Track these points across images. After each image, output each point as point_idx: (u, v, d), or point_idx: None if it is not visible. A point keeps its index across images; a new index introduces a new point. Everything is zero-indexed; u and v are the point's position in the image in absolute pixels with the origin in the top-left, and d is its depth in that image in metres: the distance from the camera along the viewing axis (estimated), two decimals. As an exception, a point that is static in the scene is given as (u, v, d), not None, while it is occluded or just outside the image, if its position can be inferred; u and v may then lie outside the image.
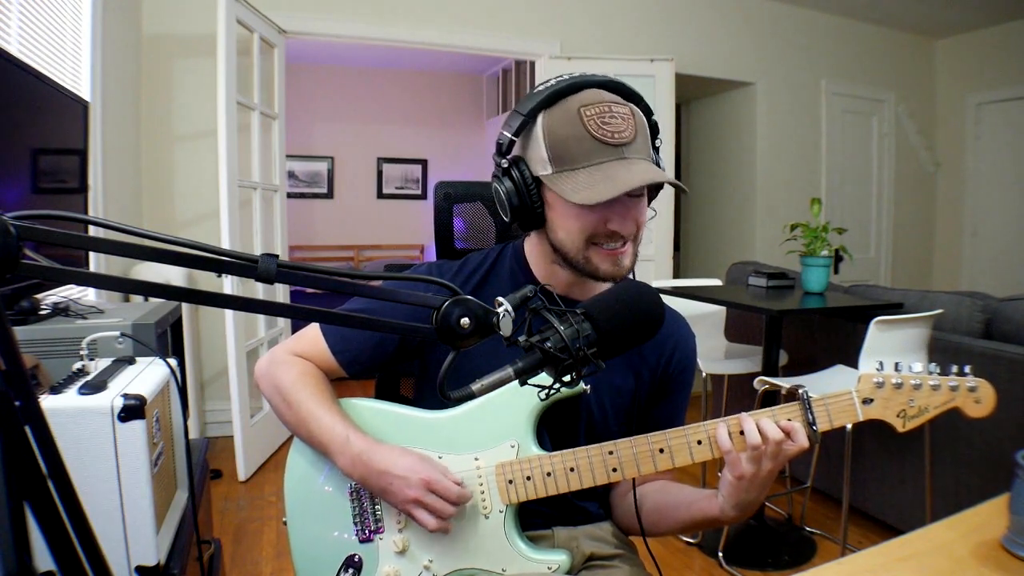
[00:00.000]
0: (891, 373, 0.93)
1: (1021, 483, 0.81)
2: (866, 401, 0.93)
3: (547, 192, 0.96)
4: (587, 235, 0.95)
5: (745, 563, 2.40)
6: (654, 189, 1.02)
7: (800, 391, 0.94)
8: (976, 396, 0.93)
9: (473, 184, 1.37)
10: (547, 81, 0.96)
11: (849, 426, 2.10)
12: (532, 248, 1.07)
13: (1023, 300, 2.30)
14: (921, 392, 0.92)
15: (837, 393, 0.94)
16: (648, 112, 0.99)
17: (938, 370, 0.94)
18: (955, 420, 2.25)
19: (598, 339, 0.70)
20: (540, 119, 0.94)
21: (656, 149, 1.01)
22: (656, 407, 1.12)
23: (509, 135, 0.96)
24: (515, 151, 0.98)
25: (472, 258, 1.12)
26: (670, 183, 0.93)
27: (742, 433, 0.90)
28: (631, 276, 1.03)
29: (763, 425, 0.89)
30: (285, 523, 1.07)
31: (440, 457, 1.01)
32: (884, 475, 2.56)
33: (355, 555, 1.03)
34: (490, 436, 1.01)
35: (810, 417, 0.92)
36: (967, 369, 0.93)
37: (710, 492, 0.98)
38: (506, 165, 0.96)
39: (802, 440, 0.89)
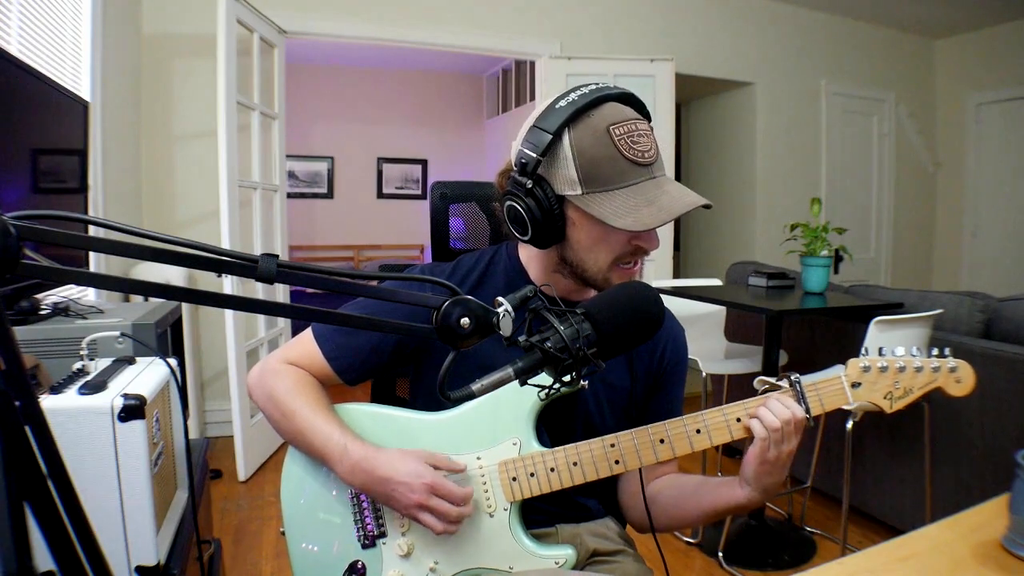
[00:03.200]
0: (876, 358, 0.97)
1: (1021, 483, 0.81)
2: (855, 385, 0.96)
3: (571, 211, 0.94)
4: (614, 256, 0.95)
5: (745, 563, 2.40)
6: None
7: (792, 377, 0.96)
8: (956, 376, 0.97)
9: (470, 184, 1.37)
10: (565, 95, 0.92)
11: (849, 426, 2.12)
12: (529, 254, 1.06)
13: (1023, 300, 2.30)
14: (905, 374, 0.96)
15: (827, 378, 0.96)
16: (648, 119, 0.98)
17: (921, 354, 0.98)
18: (955, 421, 2.27)
19: (598, 339, 0.70)
20: (566, 137, 0.90)
21: None
22: (653, 401, 1.12)
23: (535, 155, 0.90)
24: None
25: (464, 260, 1.12)
26: (703, 206, 0.92)
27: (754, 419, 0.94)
28: None
29: (774, 407, 0.93)
30: (283, 533, 1.06)
31: None
32: (884, 475, 2.56)
33: (358, 561, 1.02)
34: (491, 435, 1.01)
35: (804, 404, 0.94)
36: (947, 351, 0.98)
37: (729, 480, 0.99)
38: (530, 185, 0.92)
39: (801, 412, 0.93)
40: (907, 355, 0.97)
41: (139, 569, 0.99)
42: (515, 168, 0.93)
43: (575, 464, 0.98)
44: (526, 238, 0.96)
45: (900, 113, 5.32)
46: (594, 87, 0.93)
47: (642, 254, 0.97)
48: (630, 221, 0.88)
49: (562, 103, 0.91)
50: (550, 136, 0.89)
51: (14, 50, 1.92)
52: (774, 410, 0.92)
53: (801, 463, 2.83)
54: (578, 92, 0.92)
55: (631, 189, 0.90)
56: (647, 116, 0.97)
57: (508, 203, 0.95)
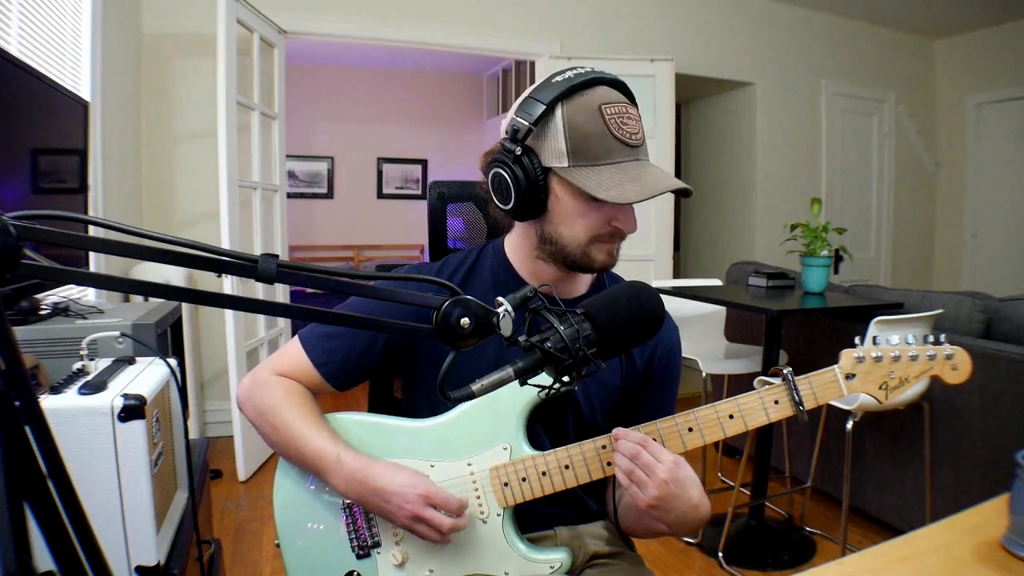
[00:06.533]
0: (870, 347, 0.95)
1: (1021, 483, 0.81)
2: (849, 376, 0.94)
3: (554, 183, 0.95)
4: (592, 233, 0.96)
5: (745, 563, 2.40)
6: None
7: (784, 370, 0.95)
8: (953, 363, 0.94)
9: (468, 184, 1.37)
10: (562, 72, 0.95)
11: (849, 426, 2.12)
12: (514, 245, 1.07)
13: (1023, 300, 2.30)
14: (900, 363, 0.94)
15: (820, 371, 0.95)
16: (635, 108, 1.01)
17: (915, 341, 0.95)
18: (955, 421, 2.27)
19: (598, 339, 0.70)
20: (559, 110, 0.92)
21: None
22: (644, 401, 1.11)
23: (528, 123, 0.92)
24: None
25: (452, 259, 1.12)
26: (684, 189, 0.94)
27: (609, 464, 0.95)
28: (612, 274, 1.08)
29: (622, 447, 0.90)
30: (278, 545, 1.06)
31: (432, 465, 1.00)
32: (884, 475, 2.56)
33: (353, 572, 1.02)
34: (481, 440, 1.00)
35: (796, 396, 0.93)
36: (943, 338, 0.95)
37: None
38: (519, 152, 0.94)
39: (667, 455, 0.88)
40: (902, 343, 0.94)
41: (139, 569, 0.99)
42: (506, 135, 0.95)
43: (567, 467, 0.97)
44: (508, 207, 0.97)
45: (900, 113, 5.32)
46: (590, 69, 0.96)
47: (619, 235, 0.98)
48: (614, 193, 0.90)
49: (558, 78, 0.94)
50: (543, 107, 0.91)
51: (14, 50, 1.91)
52: (622, 450, 0.89)
53: (801, 463, 2.83)
54: (574, 71, 0.95)
55: (617, 166, 0.92)
56: (635, 104, 0.99)
57: (494, 171, 0.97)
